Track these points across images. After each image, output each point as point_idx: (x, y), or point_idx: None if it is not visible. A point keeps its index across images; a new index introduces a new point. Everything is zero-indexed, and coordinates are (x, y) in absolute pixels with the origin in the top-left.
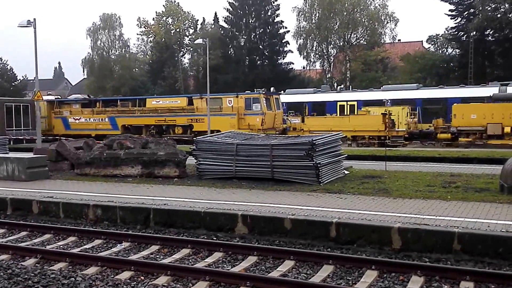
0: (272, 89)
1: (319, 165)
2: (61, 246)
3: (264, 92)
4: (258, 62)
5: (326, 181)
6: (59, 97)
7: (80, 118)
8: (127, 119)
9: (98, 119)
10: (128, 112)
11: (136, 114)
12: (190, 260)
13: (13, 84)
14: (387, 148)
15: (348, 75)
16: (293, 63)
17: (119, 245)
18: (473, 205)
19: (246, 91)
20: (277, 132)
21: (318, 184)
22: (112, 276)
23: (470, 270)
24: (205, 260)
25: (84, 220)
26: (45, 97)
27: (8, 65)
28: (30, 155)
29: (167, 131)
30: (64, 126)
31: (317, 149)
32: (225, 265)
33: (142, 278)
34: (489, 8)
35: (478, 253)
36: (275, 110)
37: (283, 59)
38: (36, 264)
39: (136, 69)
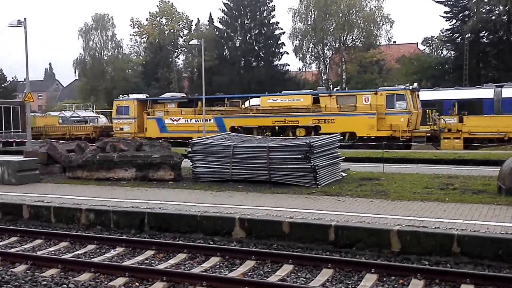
0: (415, 84)
1: (316, 168)
2: (53, 252)
3: (410, 88)
4: (254, 64)
5: (323, 184)
6: (147, 95)
7: (179, 119)
8: (237, 119)
9: (201, 120)
10: (239, 111)
11: (249, 114)
12: (187, 265)
13: (3, 85)
14: (384, 150)
15: (344, 76)
16: (288, 65)
17: (112, 250)
18: (471, 207)
19: (388, 87)
20: (429, 134)
21: (315, 186)
22: (106, 282)
23: (470, 272)
24: (202, 265)
25: (76, 225)
26: (134, 96)
27: None
28: (20, 158)
29: (286, 133)
30: (159, 128)
31: (314, 151)
32: (222, 270)
33: (137, 284)
34: (483, 10)
35: (477, 255)
36: (418, 109)
37: (278, 60)
38: (27, 271)
39: (129, 70)
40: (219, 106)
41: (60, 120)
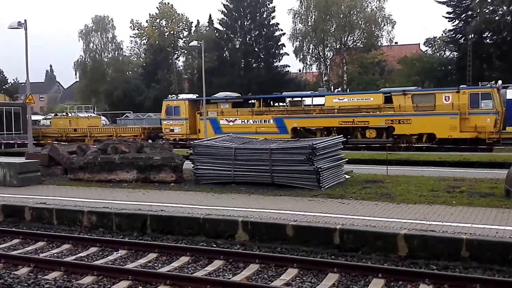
0: (499, 82)
1: (320, 170)
2: (55, 254)
3: (496, 86)
4: (254, 65)
5: (327, 186)
6: (197, 95)
7: (235, 119)
8: (299, 120)
9: (259, 120)
10: (301, 112)
11: (313, 114)
12: (190, 269)
13: (4, 87)
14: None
15: (345, 78)
16: (289, 66)
17: (115, 253)
18: (479, 210)
19: (470, 86)
20: None
21: (319, 189)
22: (109, 286)
23: (480, 277)
24: (205, 269)
25: (78, 227)
26: (184, 96)
27: None
28: (21, 160)
29: (354, 135)
30: (214, 129)
31: (317, 153)
32: (226, 274)
33: (140, 287)
34: (487, 11)
35: (487, 260)
36: (502, 108)
37: (279, 61)
38: (30, 274)
39: (130, 72)
40: (278, 106)
41: (103, 122)
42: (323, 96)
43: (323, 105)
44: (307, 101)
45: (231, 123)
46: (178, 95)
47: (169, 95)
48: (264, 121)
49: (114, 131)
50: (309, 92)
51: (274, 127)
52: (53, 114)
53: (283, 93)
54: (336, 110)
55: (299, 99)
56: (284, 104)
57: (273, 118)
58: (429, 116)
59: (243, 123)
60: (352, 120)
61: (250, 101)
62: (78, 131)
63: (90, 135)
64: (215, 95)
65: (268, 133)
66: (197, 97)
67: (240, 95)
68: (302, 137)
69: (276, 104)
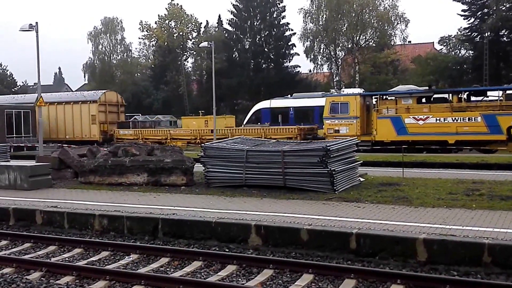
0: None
1: (334, 172)
2: (67, 259)
3: None
4: (264, 66)
5: (341, 189)
6: (363, 89)
7: (427, 117)
8: None
9: (461, 118)
10: None
11: None
12: (203, 274)
13: (13, 90)
14: (403, 154)
15: (357, 78)
16: (299, 66)
17: (127, 257)
18: (501, 214)
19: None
20: None
21: (333, 192)
22: None
23: (504, 284)
24: (218, 274)
25: (89, 230)
26: (352, 90)
27: (7, 70)
28: (32, 163)
29: None
30: (396, 130)
31: (331, 156)
32: (239, 279)
33: None
34: (503, 8)
35: (510, 266)
36: None
37: (289, 62)
38: (42, 278)
39: (138, 74)
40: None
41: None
42: None
43: None
44: None
45: (420, 122)
46: (343, 89)
47: (330, 90)
48: (469, 119)
49: (263, 132)
50: None
51: (483, 126)
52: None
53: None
54: None
55: None
56: (497, 97)
57: (481, 115)
58: None
59: (437, 121)
60: None
61: (440, 95)
62: (217, 132)
63: (232, 136)
64: (393, 89)
65: (473, 134)
66: (370, 91)
67: (429, 87)
68: None
69: (478, 98)
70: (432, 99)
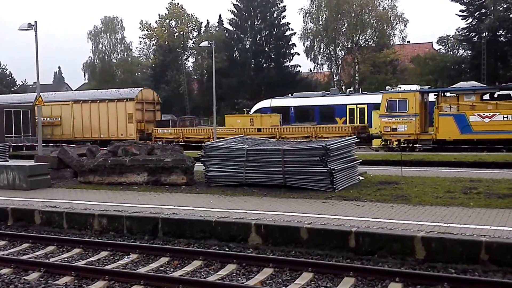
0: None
1: (333, 171)
2: (66, 259)
3: None
4: (264, 65)
5: (341, 188)
6: (420, 86)
7: (493, 115)
8: None
9: None
10: None
11: None
12: (203, 273)
13: (12, 89)
14: (402, 153)
15: (356, 77)
16: (299, 66)
17: (126, 257)
18: (498, 212)
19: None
20: None
21: (332, 191)
22: None
23: (500, 281)
24: (218, 273)
25: (89, 230)
26: (409, 87)
27: (7, 70)
28: (31, 162)
29: None
30: (459, 128)
31: (331, 154)
32: (239, 278)
33: None
34: (501, 8)
35: (507, 263)
36: None
37: (289, 61)
38: (40, 279)
39: (139, 73)
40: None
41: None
42: None
43: None
44: None
45: (486, 120)
46: (400, 86)
47: (387, 87)
48: None
49: (313, 131)
50: None
51: None
52: None
53: None
54: None
55: None
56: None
57: None
58: None
59: (505, 119)
60: None
61: (506, 92)
62: (263, 131)
63: (280, 136)
64: (455, 85)
65: None
66: (429, 87)
67: (496, 84)
68: None
69: None
70: (496, 95)
